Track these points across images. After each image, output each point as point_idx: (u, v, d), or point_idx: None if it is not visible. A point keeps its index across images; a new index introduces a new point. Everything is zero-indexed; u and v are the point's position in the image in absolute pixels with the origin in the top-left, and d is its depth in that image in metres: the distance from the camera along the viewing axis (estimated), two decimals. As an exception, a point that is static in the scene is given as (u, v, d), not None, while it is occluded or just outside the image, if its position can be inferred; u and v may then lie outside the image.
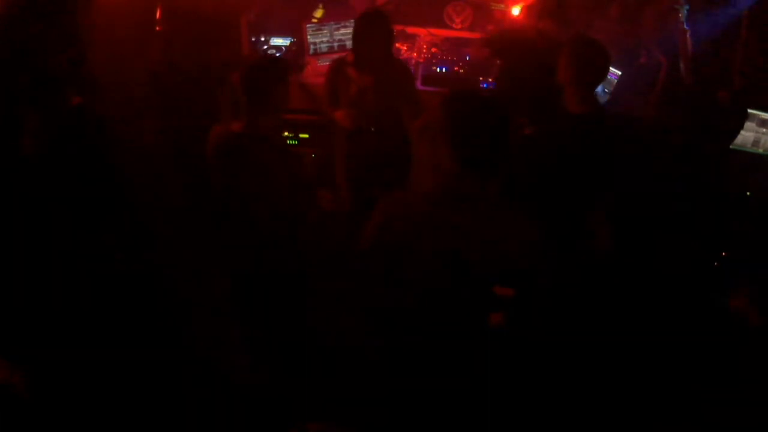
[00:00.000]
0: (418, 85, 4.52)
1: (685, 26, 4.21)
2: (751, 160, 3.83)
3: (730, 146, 3.78)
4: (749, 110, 3.81)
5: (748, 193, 3.61)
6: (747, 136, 3.82)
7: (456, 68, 4.60)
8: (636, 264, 3.40)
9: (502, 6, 4.87)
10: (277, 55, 4.72)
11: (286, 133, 4.43)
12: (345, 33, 4.61)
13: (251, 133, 2.80)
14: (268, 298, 3.05)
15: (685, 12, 4.20)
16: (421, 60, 4.71)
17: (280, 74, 2.84)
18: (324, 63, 4.48)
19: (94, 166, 3.34)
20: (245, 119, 2.81)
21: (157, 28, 4.34)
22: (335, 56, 4.25)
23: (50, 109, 3.15)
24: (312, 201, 3.12)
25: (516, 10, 4.50)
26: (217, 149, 2.86)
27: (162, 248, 3.46)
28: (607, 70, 3.05)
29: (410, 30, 4.90)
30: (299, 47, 4.72)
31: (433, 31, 4.89)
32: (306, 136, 4.41)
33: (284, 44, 4.77)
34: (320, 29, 4.67)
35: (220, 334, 3.06)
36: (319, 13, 4.80)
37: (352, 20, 4.26)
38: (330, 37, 4.67)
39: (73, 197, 3.02)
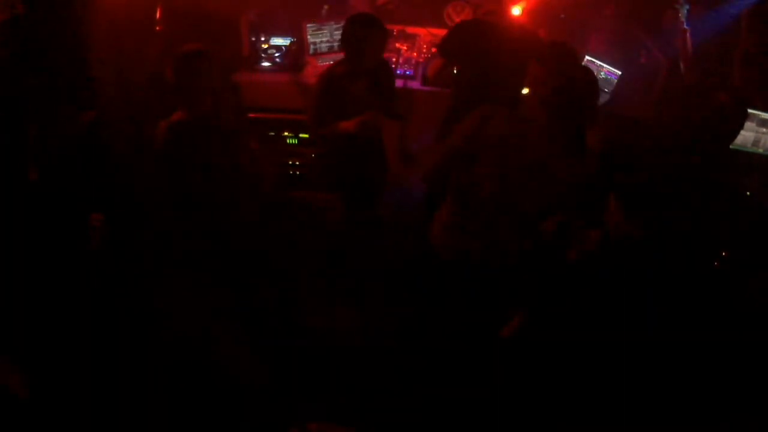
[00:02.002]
0: (418, 85, 4.52)
1: (685, 26, 4.21)
2: (751, 160, 3.82)
3: (730, 146, 3.78)
4: (749, 110, 3.81)
5: (748, 193, 3.60)
6: (747, 136, 3.82)
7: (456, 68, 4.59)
8: (635, 262, 3.40)
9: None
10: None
11: (287, 133, 4.44)
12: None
13: (190, 119, 2.98)
14: (265, 291, 3.08)
15: (685, 12, 4.20)
16: (421, 60, 4.71)
17: (203, 60, 2.97)
18: (324, 63, 4.48)
19: (96, 171, 3.37)
20: (183, 108, 2.99)
21: (157, 28, 4.34)
22: (335, 56, 4.25)
23: (57, 123, 3.19)
24: (257, 176, 3.32)
25: (516, 11, 4.49)
26: (165, 140, 2.99)
27: (161, 246, 3.45)
28: None
29: (410, 30, 4.90)
30: (299, 47, 4.72)
31: (433, 31, 4.88)
32: (306, 136, 4.41)
33: (284, 44, 4.77)
34: (320, 29, 4.67)
35: (219, 333, 3.06)
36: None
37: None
38: (330, 37, 4.67)
39: (73, 204, 3.04)
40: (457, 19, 4.95)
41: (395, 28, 4.85)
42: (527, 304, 3.20)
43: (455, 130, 2.61)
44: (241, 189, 3.11)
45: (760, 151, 3.84)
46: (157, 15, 4.33)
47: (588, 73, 2.65)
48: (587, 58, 4.51)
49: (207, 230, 3.01)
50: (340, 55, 3.65)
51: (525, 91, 3.46)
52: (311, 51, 4.67)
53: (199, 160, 2.98)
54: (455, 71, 3.92)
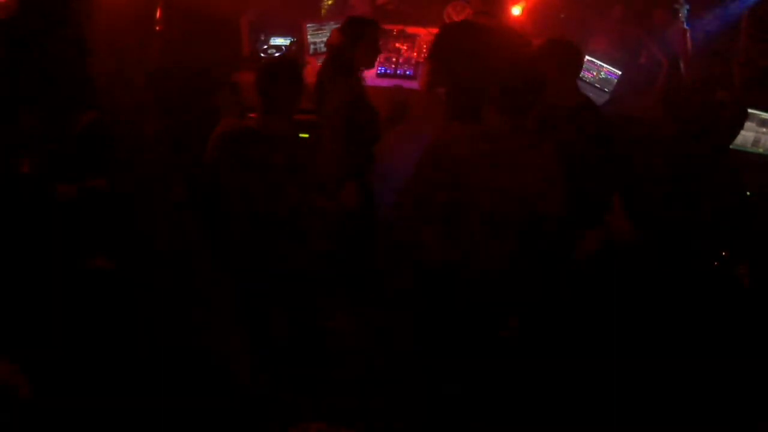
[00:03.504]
0: (419, 85, 4.52)
1: (685, 26, 4.22)
2: (751, 160, 3.83)
3: (730, 146, 3.78)
4: (749, 110, 3.81)
5: (748, 193, 3.61)
6: (747, 136, 3.82)
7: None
8: (635, 263, 3.40)
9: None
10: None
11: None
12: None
13: (264, 131, 2.80)
14: (270, 296, 3.05)
15: (685, 12, 4.21)
16: (421, 60, 4.71)
17: (294, 75, 2.85)
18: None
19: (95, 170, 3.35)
20: (259, 118, 2.82)
21: (157, 28, 4.35)
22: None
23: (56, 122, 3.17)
24: (319, 202, 3.13)
25: (516, 11, 4.50)
26: (225, 143, 2.84)
27: (161, 246, 3.46)
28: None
29: (410, 30, 4.90)
30: (299, 47, 4.72)
31: (433, 31, 4.88)
32: (306, 135, 4.41)
33: (284, 44, 4.77)
34: (320, 29, 4.67)
35: (220, 333, 3.06)
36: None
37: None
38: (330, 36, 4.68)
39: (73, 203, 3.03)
40: (457, 19, 4.95)
41: (395, 28, 4.84)
42: (527, 306, 3.20)
43: (417, 165, 2.61)
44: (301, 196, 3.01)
45: (760, 151, 3.84)
46: (157, 15, 4.33)
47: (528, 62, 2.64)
48: (587, 58, 4.51)
49: (246, 235, 2.92)
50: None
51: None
52: (311, 51, 4.67)
53: (262, 170, 2.82)
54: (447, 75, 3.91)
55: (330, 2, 4.89)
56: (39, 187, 3.06)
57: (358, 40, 3.42)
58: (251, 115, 3.13)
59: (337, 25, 4.64)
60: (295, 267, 2.96)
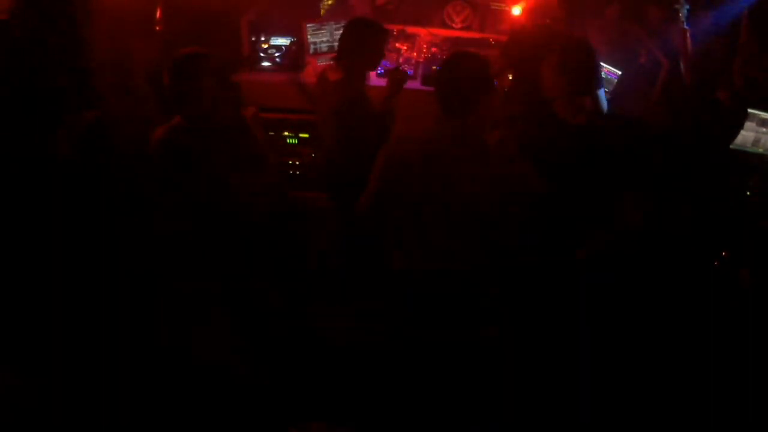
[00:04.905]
0: (419, 85, 4.52)
1: (685, 26, 4.21)
2: (751, 160, 3.83)
3: (730, 146, 3.78)
4: (749, 110, 3.81)
5: (748, 193, 3.61)
6: (747, 136, 3.82)
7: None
8: (635, 262, 3.40)
9: (503, 6, 4.88)
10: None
11: (287, 133, 4.44)
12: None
13: (187, 125, 2.86)
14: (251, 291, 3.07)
15: (685, 12, 4.20)
16: (421, 60, 4.71)
17: (198, 64, 2.86)
18: (324, 63, 4.48)
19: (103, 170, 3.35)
20: (180, 113, 2.87)
21: (157, 28, 4.35)
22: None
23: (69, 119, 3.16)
24: (262, 174, 3.14)
25: (516, 10, 4.49)
26: (160, 146, 2.89)
27: (161, 246, 3.45)
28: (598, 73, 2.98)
29: (410, 30, 4.91)
30: (299, 47, 4.72)
31: (433, 31, 4.89)
32: (306, 135, 4.42)
33: (284, 44, 4.78)
34: (320, 29, 4.67)
35: (218, 334, 3.07)
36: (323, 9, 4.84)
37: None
38: (330, 36, 4.67)
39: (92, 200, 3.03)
40: (457, 19, 4.96)
41: (395, 28, 4.85)
42: (523, 307, 3.19)
43: (372, 177, 2.60)
44: (245, 191, 3.04)
45: (760, 151, 3.84)
46: (157, 15, 4.34)
47: (473, 64, 2.58)
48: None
49: (207, 233, 2.98)
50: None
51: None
52: (311, 51, 4.67)
53: (198, 165, 2.89)
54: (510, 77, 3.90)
55: (330, 2, 4.89)
56: (80, 170, 3.02)
57: (363, 43, 3.42)
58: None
59: (338, 25, 4.67)
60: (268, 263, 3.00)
